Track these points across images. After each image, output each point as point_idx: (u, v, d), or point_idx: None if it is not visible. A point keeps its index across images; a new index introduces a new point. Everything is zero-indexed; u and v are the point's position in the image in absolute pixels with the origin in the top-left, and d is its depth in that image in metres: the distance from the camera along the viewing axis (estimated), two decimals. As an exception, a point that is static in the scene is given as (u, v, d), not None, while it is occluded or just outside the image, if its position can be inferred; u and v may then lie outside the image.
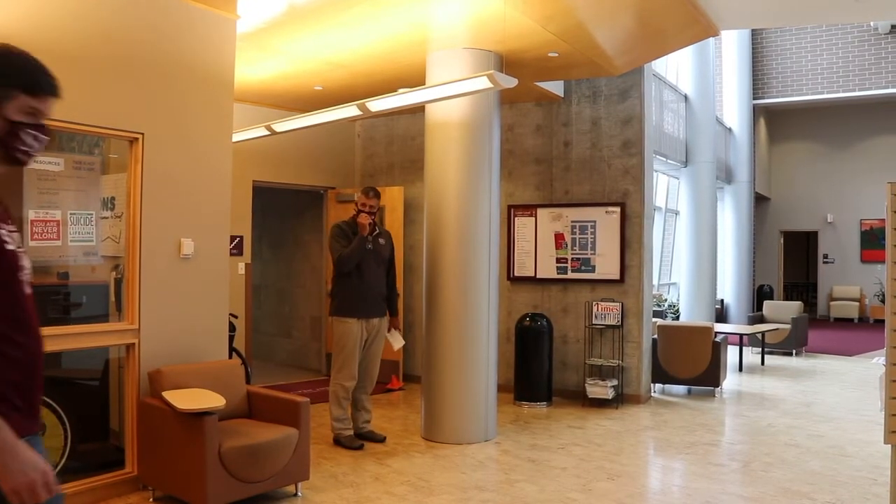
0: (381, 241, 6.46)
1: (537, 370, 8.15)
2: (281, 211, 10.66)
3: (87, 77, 4.64)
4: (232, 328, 6.69)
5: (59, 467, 4.72)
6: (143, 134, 4.93)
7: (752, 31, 17.85)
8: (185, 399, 4.50)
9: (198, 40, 5.24)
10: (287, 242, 10.82)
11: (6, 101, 1.87)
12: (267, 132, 7.30)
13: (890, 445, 3.89)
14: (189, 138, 5.20)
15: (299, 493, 5.02)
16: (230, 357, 6.38)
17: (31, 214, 4.68)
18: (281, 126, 7.20)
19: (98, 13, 4.70)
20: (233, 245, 8.00)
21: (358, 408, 6.50)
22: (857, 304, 18.98)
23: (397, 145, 9.83)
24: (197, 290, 5.23)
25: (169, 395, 4.55)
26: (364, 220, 6.22)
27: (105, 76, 4.73)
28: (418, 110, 7.58)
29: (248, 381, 6.17)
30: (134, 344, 4.90)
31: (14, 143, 1.91)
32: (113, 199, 5.22)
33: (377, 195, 6.34)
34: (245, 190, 8.67)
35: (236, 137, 5.88)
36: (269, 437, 4.70)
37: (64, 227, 4.84)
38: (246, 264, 8.79)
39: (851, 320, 18.85)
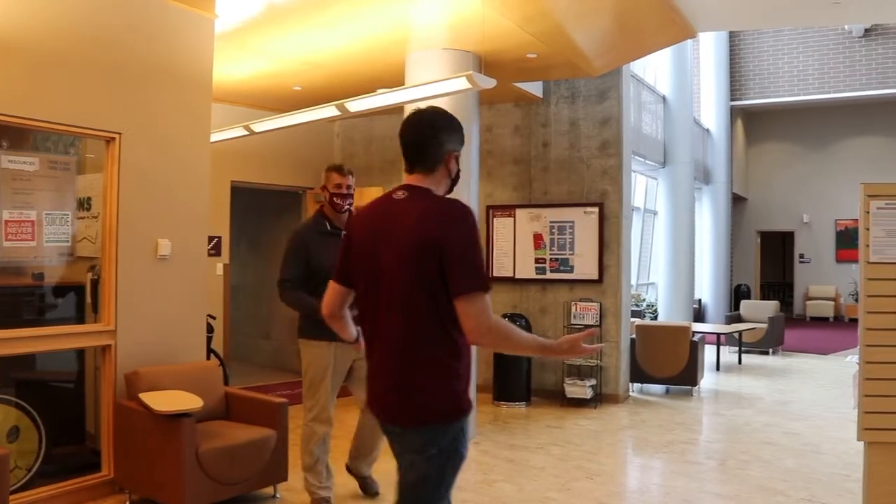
0: None
1: (516, 370, 8.17)
2: (259, 211, 10.61)
3: (64, 76, 4.60)
4: (210, 329, 6.65)
5: (33, 471, 4.68)
6: (120, 134, 4.89)
7: (730, 33, 17.99)
8: (162, 401, 4.48)
9: (175, 39, 5.21)
10: (265, 243, 10.76)
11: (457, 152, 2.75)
12: (245, 132, 7.27)
13: (863, 442, 3.94)
14: (167, 138, 5.17)
15: (277, 495, 5.01)
16: (208, 358, 6.35)
17: (5, 215, 4.63)
18: (259, 126, 7.17)
19: (74, 11, 4.66)
20: (211, 245, 7.95)
21: (357, 439, 5.10)
22: (832, 303, 19.17)
23: (376, 145, 9.82)
24: (174, 290, 5.20)
25: (146, 397, 4.52)
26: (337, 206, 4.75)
27: (81, 75, 4.69)
28: (397, 111, 7.56)
29: (226, 383, 6.12)
30: (110, 345, 4.86)
31: None
32: (89, 199, 5.18)
33: (352, 173, 4.85)
34: (223, 190, 8.62)
35: (214, 137, 5.84)
36: (247, 439, 4.69)
37: (39, 228, 4.80)
38: (224, 265, 8.75)
39: (827, 319, 19.03)
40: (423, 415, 2.49)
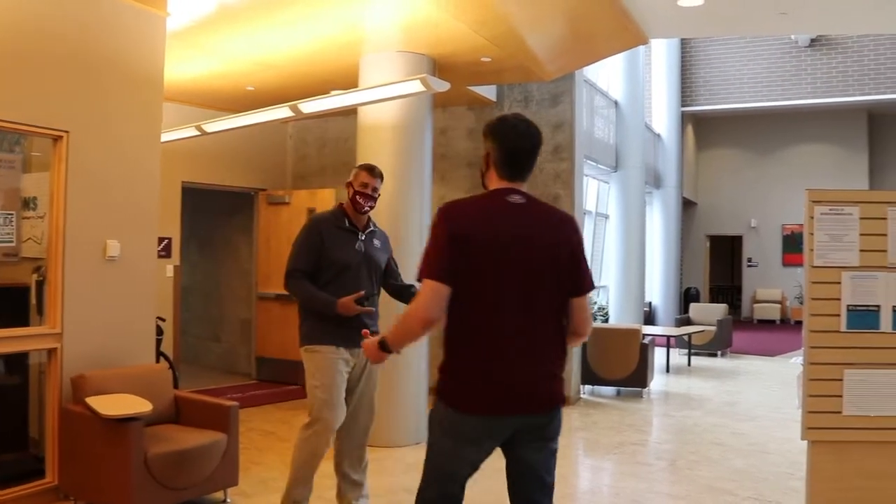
0: (376, 242, 4.55)
1: (469, 372, 8.16)
2: (211, 212, 10.49)
3: (9, 72, 4.50)
4: (159, 331, 6.55)
5: (-25, 476, 4.56)
6: (67, 132, 4.79)
7: (681, 40, 18.27)
8: (109, 405, 4.40)
9: (126, 36, 5.13)
10: (217, 244, 10.65)
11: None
12: (197, 132, 7.19)
13: (807, 441, 4.03)
14: (116, 137, 5.08)
15: (228, 500, 4.95)
16: (157, 361, 6.26)
17: (-54, 214, 4.52)
18: (211, 126, 7.10)
19: (22, 5, 4.55)
20: (161, 247, 7.84)
21: (343, 477, 4.50)
22: (778, 306, 19.56)
23: (330, 147, 9.77)
24: (123, 292, 5.11)
25: (93, 401, 4.43)
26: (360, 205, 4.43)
27: (28, 71, 4.59)
28: (351, 112, 7.55)
29: (175, 386, 6.03)
30: (56, 349, 4.75)
31: None
32: (35, 198, 5.08)
33: (381, 176, 4.53)
34: (174, 191, 8.51)
35: (165, 137, 5.76)
36: (196, 443, 4.62)
37: (-18, 228, 4.69)
38: (174, 266, 8.63)
39: (773, 322, 19.41)
40: (563, 397, 2.84)
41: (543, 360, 2.73)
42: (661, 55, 18.00)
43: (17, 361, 5.15)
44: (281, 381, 9.26)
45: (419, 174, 6.66)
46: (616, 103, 14.02)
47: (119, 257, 5.06)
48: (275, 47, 6.54)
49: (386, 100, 6.02)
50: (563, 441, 6.93)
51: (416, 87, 5.49)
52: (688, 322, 13.29)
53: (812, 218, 4.01)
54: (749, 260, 20.54)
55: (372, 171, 4.48)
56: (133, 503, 4.23)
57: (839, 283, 3.97)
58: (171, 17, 5.50)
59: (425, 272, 2.66)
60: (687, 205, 19.85)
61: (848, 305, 3.97)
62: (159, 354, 6.89)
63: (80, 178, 4.87)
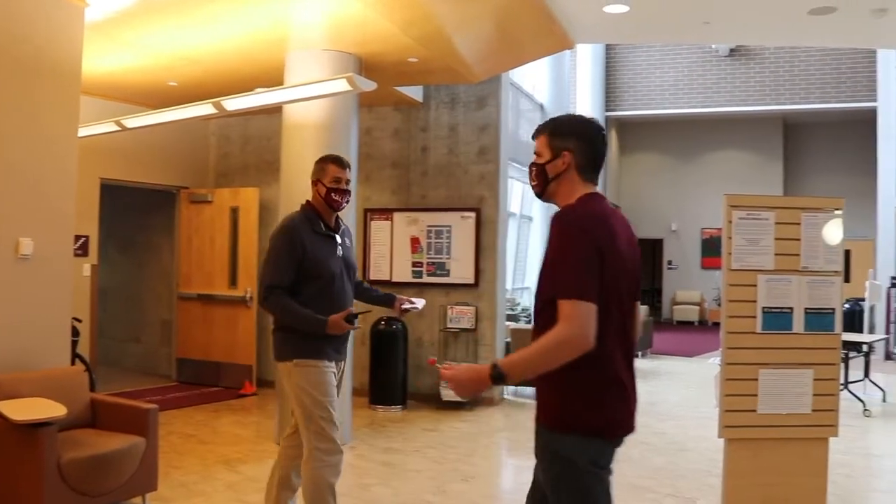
0: (347, 241, 4.24)
1: (392, 373, 8.16)
2: (130, 210, 10.23)
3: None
4: (75, 333, 6.36)
5: None
6: (-24, 125, 4.61)
7: (606, 46, 18.59)
8: (21, 409, 4.24)
9: (42, 26, 4.95)
10: (136, 243, 10.39)
11: None
12: (117, 128, 7.01)
13: (723, 439, 4.14)
14: (31, 130, 4.90)
15: (146, 505, 4.84)
16: (73, 363, 6.06)
17: None
18: (132, 122, 6.93)
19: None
20: (77, 245, 7.59)
21: (286, 486, 4.31)
22: (697, 307, 20.05)
23: (253, 145, 9.64)
24: (36, 292, 4.93)
25: (3, 406, 4.26)
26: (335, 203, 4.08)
27: (-66, 62, 4.40)
28: (275, 110, 7.45)
29: (92, 389, 5.85)
30: (-37, 350, 4.57)
31: None
32: (-58, 194, 4.86)
33: (349, 166, 4.21)
34: (92, 188, 8.27)
35: (83, 132, 5.58)
36: (113, 447, 4.50)
37: None
38: (91, 265, 8.39)
39: (692, 323, 19.89)
40: None
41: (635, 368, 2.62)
42: (586, 60, 18.27)
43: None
44: (202, 382, 9.09)
45: (345, 174, 6.61)
46: (541, 106, 14.18)
47: (32, 256, 4.88)
48: (198, 42, 6.41)
49: (311, 98, 5.96)
50: (486, 441, 7.01)
51: (342, 86, 5.44)
52: (610, 323, 13.48)
53: (730, 222, 4.12)
54: (669, 262, 21.00)
55: (341, 162, 4.12)
56: (45, 510, 4.09)
57: (755, 285, 4.09)
58: (89, 8, 5.33)
59: (577, 292, 2.30)
60: (610, 208, 20.16)
61: (763, 307, 4.09)
62: (75, 356, 6.69)
63: (-9, 173, 4.68)
